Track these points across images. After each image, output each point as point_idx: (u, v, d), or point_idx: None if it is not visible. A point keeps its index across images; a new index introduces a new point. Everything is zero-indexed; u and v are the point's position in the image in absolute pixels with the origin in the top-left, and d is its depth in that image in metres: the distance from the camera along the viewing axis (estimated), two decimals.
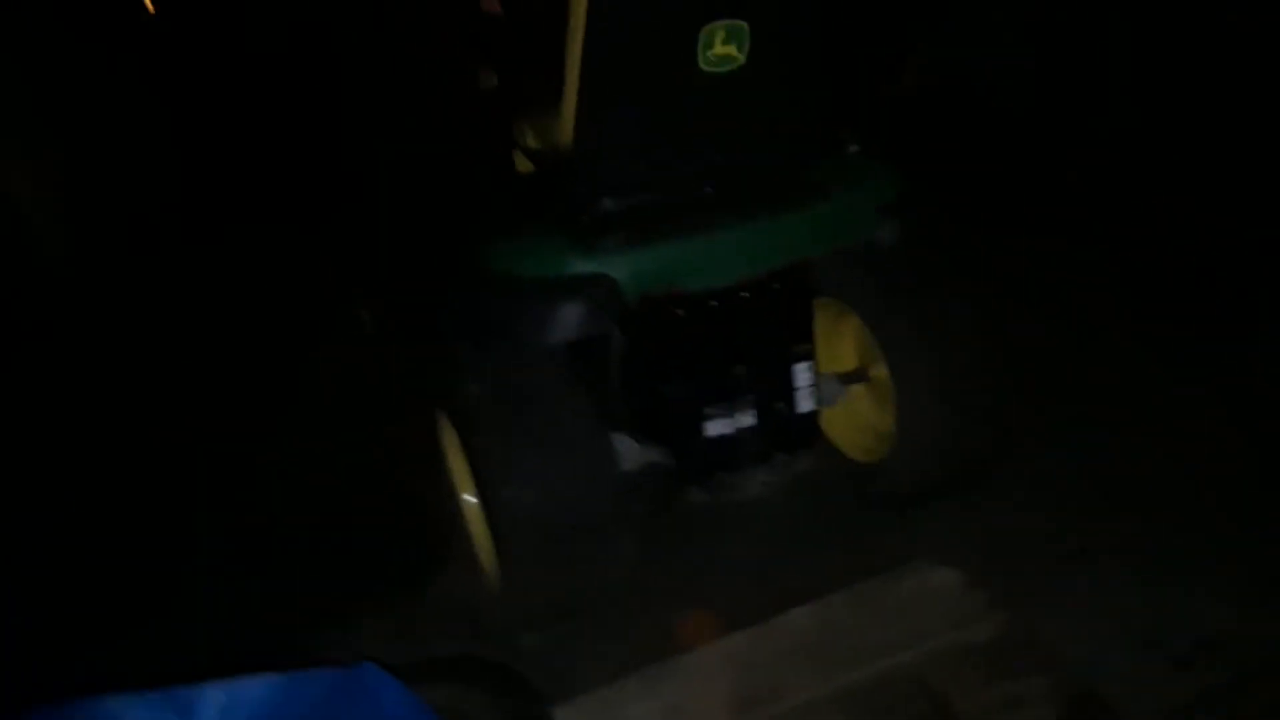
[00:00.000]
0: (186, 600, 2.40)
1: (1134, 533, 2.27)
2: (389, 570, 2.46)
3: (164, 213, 4.19)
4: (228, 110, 4.40)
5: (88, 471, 2.90)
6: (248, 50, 4.26)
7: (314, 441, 2.95)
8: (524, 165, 2.30)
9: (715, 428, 2.22)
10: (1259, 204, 3.64)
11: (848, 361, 2.48)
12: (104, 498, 2.80)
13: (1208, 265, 3.38)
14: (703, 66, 1.88)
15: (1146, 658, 1.95)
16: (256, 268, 3.94)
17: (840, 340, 2.49)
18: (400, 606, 2.32)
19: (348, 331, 3.45)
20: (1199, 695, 1.88)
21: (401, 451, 2.63)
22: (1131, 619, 2.03)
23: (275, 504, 2.73)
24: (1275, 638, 1.97)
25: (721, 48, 1.86)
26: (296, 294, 3.77)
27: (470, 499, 2.30)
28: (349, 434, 2.92)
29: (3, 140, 3.86)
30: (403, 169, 2.89)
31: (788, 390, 2.27)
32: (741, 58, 1.89)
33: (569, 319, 1.94)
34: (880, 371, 2.35)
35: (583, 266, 1.97)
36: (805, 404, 2.29)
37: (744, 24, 1.86)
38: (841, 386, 2.41)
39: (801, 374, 2.27)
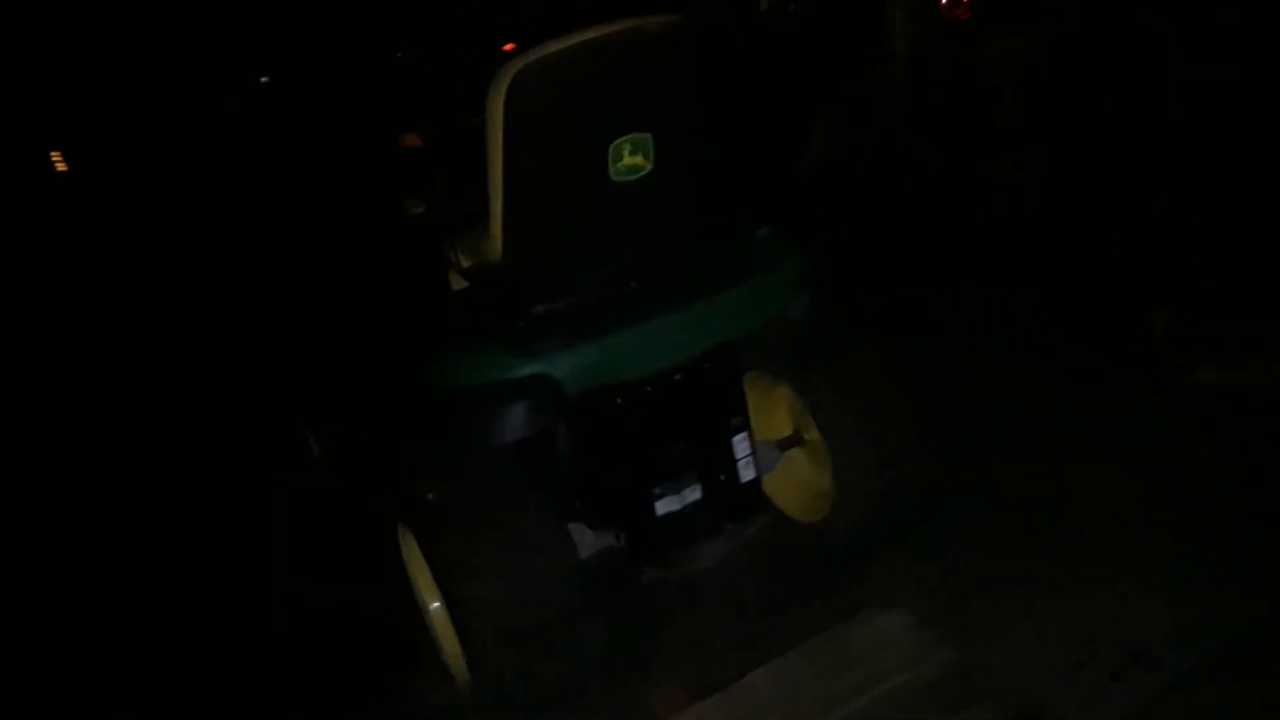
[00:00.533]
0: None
1: (1064, 559, 2.44)
2: (360, 683, 2.52)
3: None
4: (170, 262, 4.57)
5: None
6: (190, 202, 4.44)
7: (277, 560, 3.02)
8: (458, 283, 2.45)
9: (665, 505, 2.35)
10: (1144, 241, 3.94)
11: (783, 429, 2.64)
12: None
13: (1101, 297, 3.66)
14: (613, 177, 2.06)
15: (1084, 674, 2.10)
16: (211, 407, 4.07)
17: (774, 410, 2.65)
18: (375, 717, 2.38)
19: (300, 459, 3.57)
20: (1135, 705, 2.02)
21: (365, 568, 2.72)
22: (1067, 640, 2.18)
23: (245, 620, 2.79)
24: (1201, 644, 2.13)
25: (629, 158, 2.05)
26: (247, 428, 3.89)
27: (435, 605, 2.39)
28: (313, 554, 3.00)
29: None
30: (343, 299, 3.03)
31: (729, 462, 2.42)
32: (649, 165, 2.08)
33: (516, 419, 2.07)
34: (813, 434, 2.51)
35: (524, 369, 2.11)
36: (747, 473, 2.44)
37: (648, 135, 2.06)
38: (779, 452, 2.57)
39: (740, 445, 2.42)
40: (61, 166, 5.20)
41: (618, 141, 2.05)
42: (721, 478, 2.41)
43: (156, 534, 3.33)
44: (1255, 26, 4.05)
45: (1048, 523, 2.58)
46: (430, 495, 2.13)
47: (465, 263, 2.26)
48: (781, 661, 2.13)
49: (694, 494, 2.38)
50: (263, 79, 4.93)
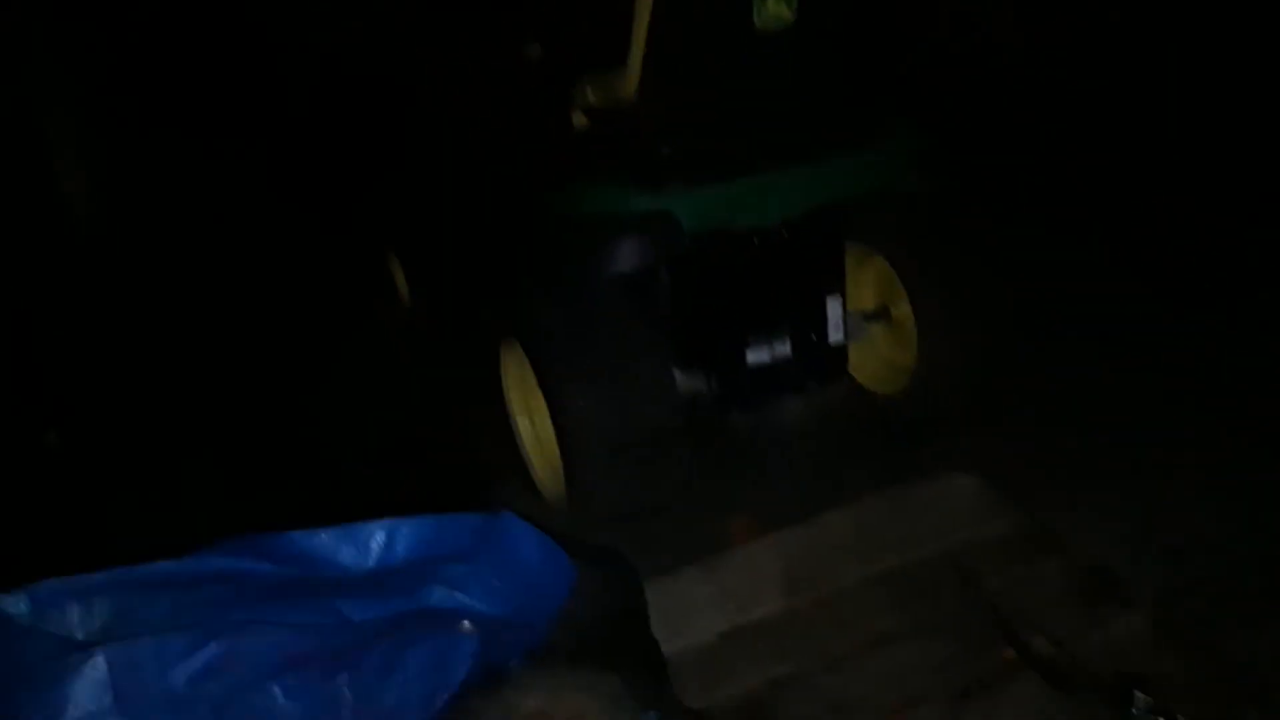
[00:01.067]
0: None
1: (1133, 450, 2.53)
2: (446, 495, 2.68)
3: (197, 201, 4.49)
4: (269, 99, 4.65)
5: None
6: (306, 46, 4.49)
7: (374, 386, 3.19)
8: (581, 122, 2.53)
9: (755, 355, 2.47)
10: (1255, 199, 3.88)
11: (868, 301, 2.73)
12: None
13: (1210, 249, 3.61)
14: (757, 24, 2.11)
15: (1145, 549, 2.20)
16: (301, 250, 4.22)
17: (867, 281, 2.73)
18: None
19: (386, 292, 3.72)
20: (1189, 582, 2.14)
21: (457, 392, 2.87)
22: (1132, 518, 2.28)
23: (342, 437, 2.96)
24: (1253, 538, 2.22)
25: (775, 6, 2.10)
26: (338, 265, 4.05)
27: (528, 422, 2.54)
28: (406, 378, 3.16)
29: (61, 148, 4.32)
30: (464, 141, 3.11)
31: (820, 323, 2.52)
32: (791, 17, 2.13)
33: (635, 249, 2.18)
34: (902, 310, 2.60)
35: (647, 204, 2.20)
36: (835, 336, 2.55)
37: None
38: (865, 324, 2.66)
39: (833, 307, 2.52)
40: None
41: None
42: (812, 337, 2.52)
43: (246, 363, 3.50)
44: None
45: (1119, 421, 2.64)
46: (546, 313, 2.25)
47: (595, 100, 2.32)
48: (858, 504, 2.26)
49: (784, 348, 2.49)
50: None
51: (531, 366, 2.31)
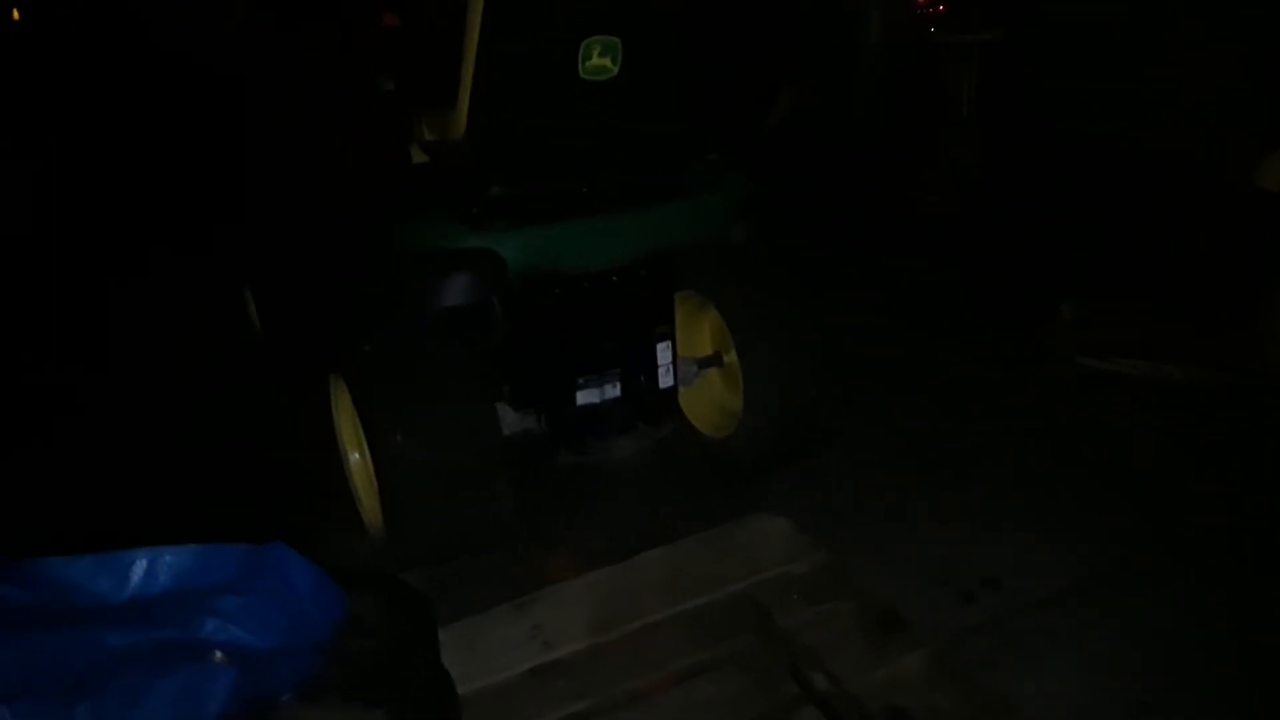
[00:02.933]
0: None
1: (939, 497, 2.68)
2: (274, 528, 2.63)
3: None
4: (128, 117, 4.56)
5: None
6: (157, 63, 4.45)
7: (217, 414, 3.12)
8: (420, 157, 2.56)
9: (586, 396, 2.51)
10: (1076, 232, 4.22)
11: (705, 348, 2.81)
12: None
13: (1018, 282, 3.93)
14: (582, 75, 2.18)
15: (940, 592, 2.32)
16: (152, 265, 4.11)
17: (699, 328, 2.82)
18: None
19: (239, 321, 3.65)
20: (981, 622, 2.25)
21: (286, 423, 2.83)
22: (929, 562, 2.41)
23: (173, 464, 2.88)
24: (1050, 579, 2.36)
25: (598, 59, 2.18)
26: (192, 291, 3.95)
27: (356, 456, 2.52)
28: (244, 407, 3.10)
29: None
30: (306, 164, 3.12)
31: (650, 367, 2.58)
32: (615, 69, 2.21)
33: (459, 285, 2.21)
34: (732, 357, 2.69)
35: (473, 241, 2.23)
36: (665, 380, 2.61)
37: (617, 40, 2.18)
38: (698, 369, 2.74)
39: (662, 352, 2.59)
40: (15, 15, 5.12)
41: (589, 40, 2.17)
42: (641, 380, 2.57)
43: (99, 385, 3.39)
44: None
45: (931, 465, 2.83)
46: (368, 346, 2.25)
47: (429, 136, 2.36)
48: (674, 545, 2.31)
49: (614, 390, 2.54)
50: None
51: (352, 399, 2.30)
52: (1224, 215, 3.67)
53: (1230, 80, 3.97)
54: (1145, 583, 2.32)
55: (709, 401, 2.86)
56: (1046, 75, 4.67)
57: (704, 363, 2.75)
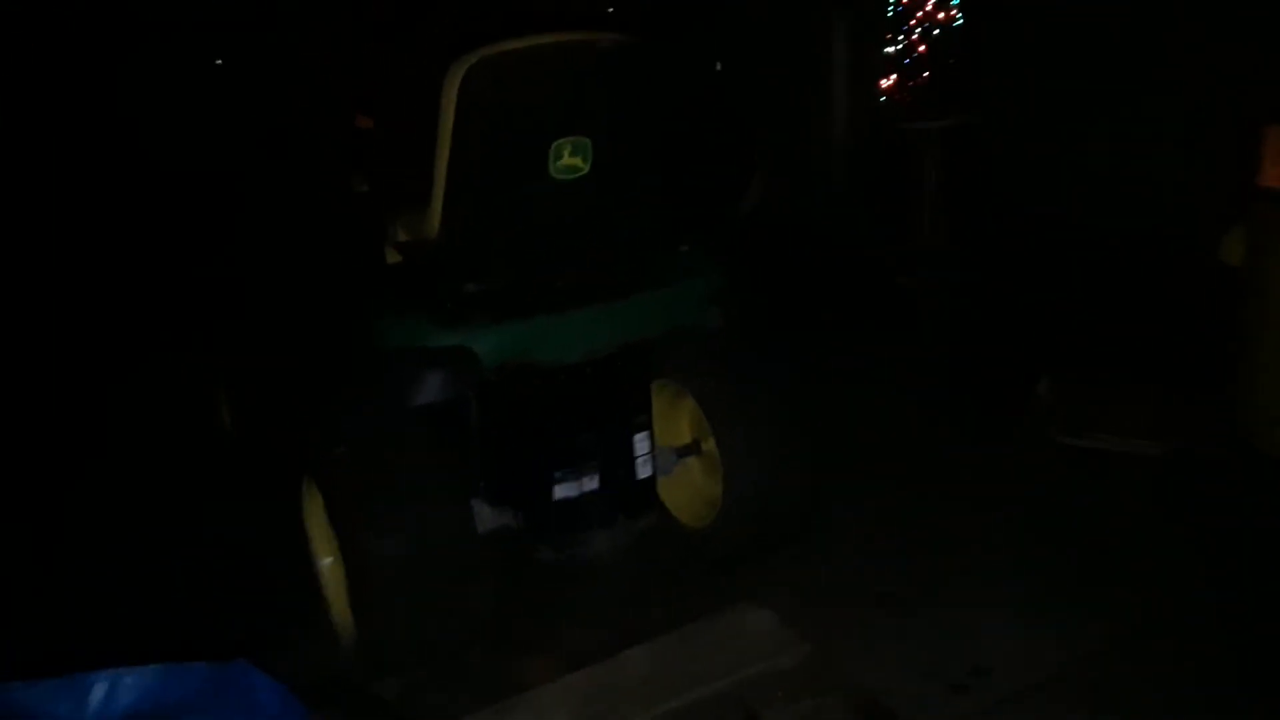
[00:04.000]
0: None
1: (926, 581, 2.65)
2: (246, 635, 2.56)
3: None
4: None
5: None
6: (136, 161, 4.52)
7: (184, 515, 3.06)
8: (393, 257, 2.58)
9: (563, 491, 2.48)
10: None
11: (683, 437, 2.80)
12: None
13: (994, 361, 3.97)
14: (553, 174, 2.22)
15: (929, 682, 2.27)
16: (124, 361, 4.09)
17: (677, 417, 2.81)
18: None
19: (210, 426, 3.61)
20: (971, 713, 2.21)
21: (264, 528, 2.78)
22: (918, 651, 2.36)
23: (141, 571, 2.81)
24: (1038, 665, 2.33)
25: (569, 159, 2.22)
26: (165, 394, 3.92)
27: (328, 561, 2.47)
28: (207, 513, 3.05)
29: None
30: (280, 265, 3.13)
31: (628, 457, 2.56)
32: (586, 168, 2.25)
33: (432, 383, 2.20)
34: (710, 445, 2.67)
35: (445, 339, 2.24)
36: (644, 470, 2.59)
37: (587, 140, 2.23)
38: (676, 458, 2.72)
39: (640, 443, 2.57)
40: None
41: (559, 141, 2.21)
42: (619, 472, 2.55)
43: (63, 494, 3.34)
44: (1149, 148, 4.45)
45: (915, 548, 2.81)
46: (339, 449, 2.23)
47: (403, 237, 2.38)
48: (653, 643, 2.26)
49: (592, 483, 2.51)
50: (217, 62, 5.04)
51: (324, 500, 2.26)
52: (1190, 290, 3.74)
53: (1185, 160, 4.09)
54: (1131, 664, 2.29)
55: (689, 490, 2.83)
56: (1007, 159, 4.81)
57: (683, 451, 2.74)
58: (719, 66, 5.36)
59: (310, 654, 2.41)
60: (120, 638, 2.55)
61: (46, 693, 1.36)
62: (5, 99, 5.01)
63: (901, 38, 5.51)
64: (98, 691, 1.38)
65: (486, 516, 2.47)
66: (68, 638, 2.43)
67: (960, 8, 5.30)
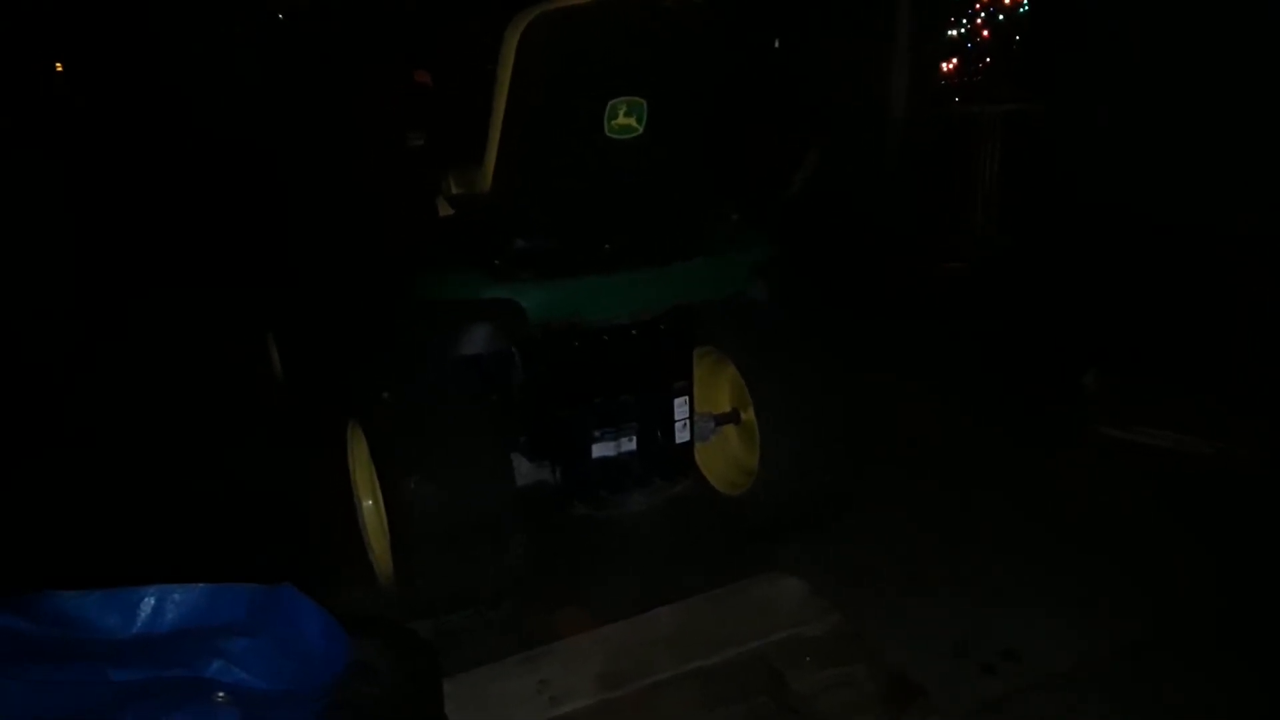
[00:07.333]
0: None
1: (956, 567, 2.63)
2: (283, 575, 2.63)
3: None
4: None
5: None
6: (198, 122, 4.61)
7: (236, 462, 3.14)
8: (445, 210, 2.60)
9: (601, 450, 2.50)
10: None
11: (723, 405, 2.81)
12: None
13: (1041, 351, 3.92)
14: (607, 133, 2.22)
15: (958, 662, 2.27)
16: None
17: (717, 385, 2.82)
18: None
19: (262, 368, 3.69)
20: (999, 695, 2.20)
21: (302, 470, 2.84)
22: (947, 632, 2.35)
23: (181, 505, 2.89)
24: (1068, 652, 2.31)
25: (624, 118, 2.22)
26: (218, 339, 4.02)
27: (370, 504, 2.52)
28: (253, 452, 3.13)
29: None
30: (334, 216, 3.18)
31: (667, 421, 2.57)
32: (640, 129, 2.24)
33: (479, 335, 2.23)
34: (749, 415, 2.68)
35: (494, 292, 2.26)
36: (682, 435, 2.60)
37: (642, 101, 2.22)
38: (715, 426, 2.73)
39: (680, 407, 2.58)
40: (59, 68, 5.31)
41: (614, 101, 2.21)
42: (658, 435, 2.57)
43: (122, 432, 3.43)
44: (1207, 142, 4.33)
45: (950, 534, 2.78)
46: (386, 394, 2.26)
47: (456, 190, 2.40)
48: (685, 603, 2.28)
49: (629, 444, 2.53)
50: (279, 16, 5.10)
51: (368, 445, 2.31)
52: (1254, 291, 3.65)
53: (1254, 152, 3.97)
54: (1162, 661, 2.27)
55: (725, 458, 2.84)
56: (1070, 146, 4.71)
57: (721, 419, 2.75)
58: (776, 44, 5.32)
59: (350, 594, 2.47)
60: (169, 565, 2.63)
61: (96, 604, 1.41)
62: (76, 52, 5.12)
63: (965, 21, 5.42)
64: (146, 606, 1.42)
65: (525, 470, 2.50)
66: (119, 564, 2.51)
67: None
